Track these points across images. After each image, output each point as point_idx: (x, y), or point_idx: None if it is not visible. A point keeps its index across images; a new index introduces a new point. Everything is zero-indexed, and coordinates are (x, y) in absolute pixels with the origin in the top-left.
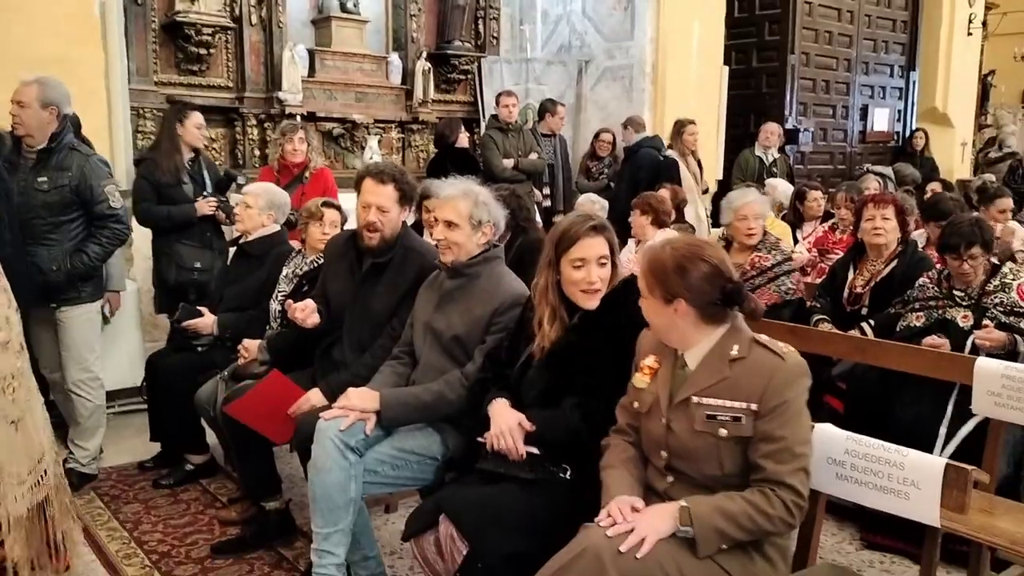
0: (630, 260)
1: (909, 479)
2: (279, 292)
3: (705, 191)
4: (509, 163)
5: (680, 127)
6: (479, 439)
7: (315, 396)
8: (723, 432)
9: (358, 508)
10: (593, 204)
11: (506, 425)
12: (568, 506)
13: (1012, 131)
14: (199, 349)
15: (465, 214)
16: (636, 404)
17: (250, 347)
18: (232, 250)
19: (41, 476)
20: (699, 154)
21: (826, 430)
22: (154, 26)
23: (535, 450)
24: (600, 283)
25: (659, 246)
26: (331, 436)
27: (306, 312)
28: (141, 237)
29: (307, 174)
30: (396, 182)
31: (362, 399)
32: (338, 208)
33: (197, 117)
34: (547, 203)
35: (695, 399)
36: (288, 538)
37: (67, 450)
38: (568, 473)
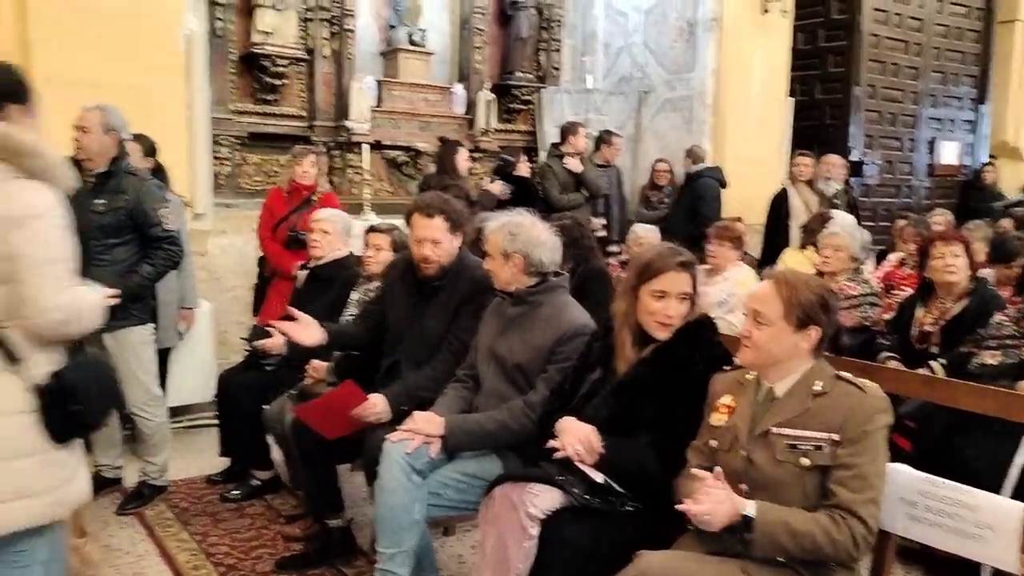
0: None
1: (984, 522)
2: (348, 315)
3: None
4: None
5: (792, 157)
6: (548, 445)
7: (380, 402)
8: (805, 461)
9: (421, 530)
10: (647, 233)
11: (582, 432)
12: (629, 538)
13: None
14: (268, 368)
15: (497, 245)
16: (713, 442)
17: (318, 367)
18: (303, 273)
19: None
20: (819, 184)
21: (899, 469)
22: (232, 57)
23: (599, 478)
24: (677, 319)
25: (791, 275)
26: (397, 458)
27: (296, 329)
28: (218, 259)
29: (315, 197)
30: (444, 213)
31: (427, 423)
32: (384, 231)
33: (465, 151)
34: (602, 233)
35: (775, 430)
36: (349, 557)
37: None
38: (627, 505)
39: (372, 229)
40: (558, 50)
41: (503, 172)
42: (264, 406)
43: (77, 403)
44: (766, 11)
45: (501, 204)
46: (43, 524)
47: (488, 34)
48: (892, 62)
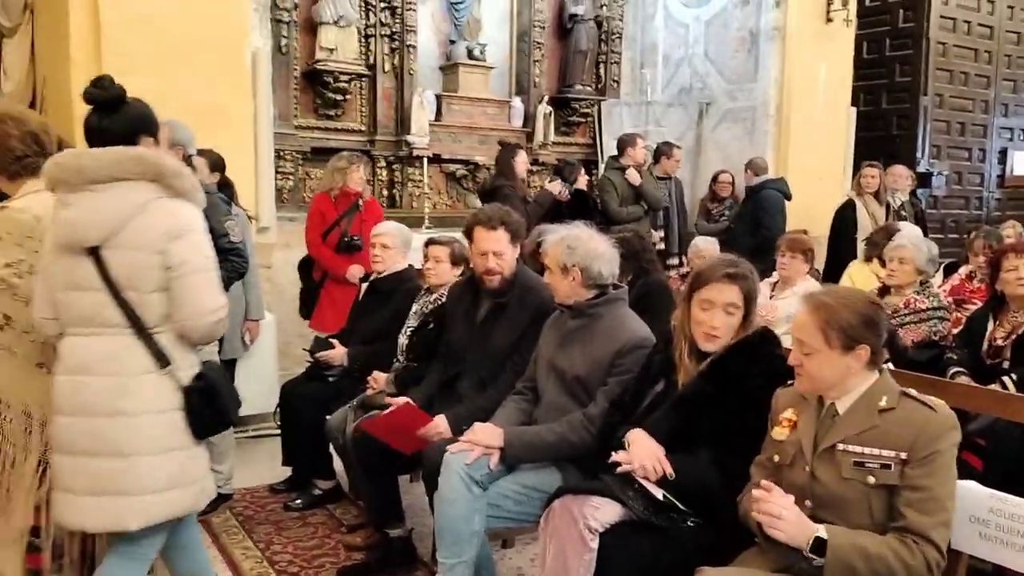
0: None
1: None
2: (407, 327)
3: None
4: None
5: (859, 169)
6: (611, 459)
7: (442, 423)
8: (871, 480)
9: (481, 541)
10: (708, 246)
11: (652, 451)
12: (690, 554)
13: None
14: (330, 379)
15: (556, 259)
16: (777, 457)
17: (379, 379)
18: (364, 285)
19: None
20: (886, 196)
21: (969, 487)
22: (296, 74)
23: (659, 494)
24: (722, 330)
25: (827, 297)
26: (457, 469)
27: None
28: (281, 271)
29: (360, 203)
30: (505, 224)
31: (487, 435)
32: (444, 243)
33: (523, 154)
34: (661, 245)
35: (841, 446)
36: (410, 567)
37: None
38: (688, 521)
39: (431, 241)
40: (617, 62)
41: (563, 175)
42: (326, 416)
43: (219, 402)
44: (830, 20)
45: (559, 212)
46: (186, 514)
47: (547, 47)
48: (961, 71)
